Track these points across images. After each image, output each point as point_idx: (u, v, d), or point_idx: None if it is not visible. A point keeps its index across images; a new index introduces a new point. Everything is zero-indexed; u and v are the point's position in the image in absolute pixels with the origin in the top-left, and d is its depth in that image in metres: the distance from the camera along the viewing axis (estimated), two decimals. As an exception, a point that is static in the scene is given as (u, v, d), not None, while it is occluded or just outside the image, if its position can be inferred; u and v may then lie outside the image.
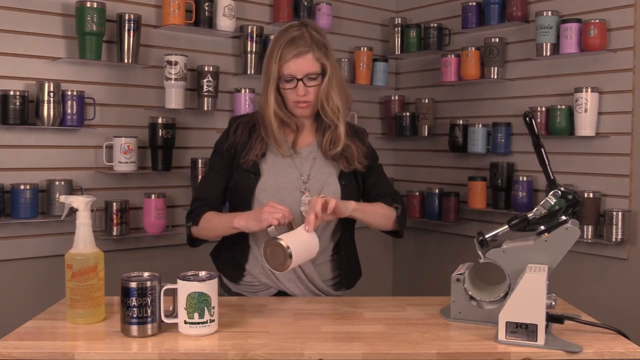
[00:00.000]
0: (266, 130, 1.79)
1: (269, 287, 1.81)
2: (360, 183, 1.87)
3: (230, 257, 1.85)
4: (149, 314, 1.36)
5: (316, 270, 1.79)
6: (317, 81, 1.74)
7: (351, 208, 1.70)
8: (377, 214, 1.80)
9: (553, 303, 1.37)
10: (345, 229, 1.84)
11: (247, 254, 1.81)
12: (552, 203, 1.48)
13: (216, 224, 1.76)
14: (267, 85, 1.76)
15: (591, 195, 2.64)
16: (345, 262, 1.85)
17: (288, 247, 1.51)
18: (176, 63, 2.69)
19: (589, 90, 2.65)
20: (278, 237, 1.54)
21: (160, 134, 2.67)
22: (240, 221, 1.67)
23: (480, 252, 1.51)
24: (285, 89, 1.75)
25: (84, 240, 1.44)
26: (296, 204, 1.75)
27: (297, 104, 1.76)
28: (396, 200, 1.85)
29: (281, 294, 1.80)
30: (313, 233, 1.59)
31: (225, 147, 1.82)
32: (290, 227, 1.61)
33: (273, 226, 1.57)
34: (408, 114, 3.37)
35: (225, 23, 2.85)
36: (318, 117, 1.83)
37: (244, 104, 2.91)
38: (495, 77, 3.02)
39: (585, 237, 2.64)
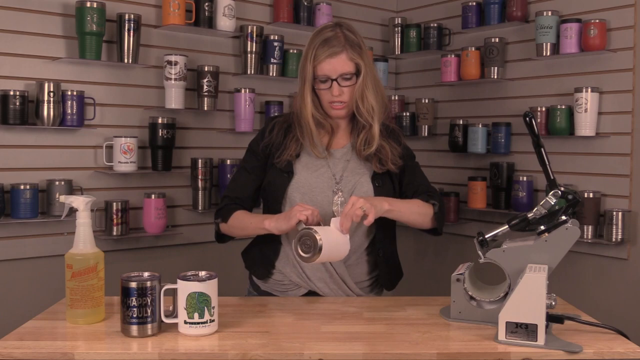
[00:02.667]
0: (302, 130, 1.79)
1: (299, 286, 1.79)
2: (397, 184, 1.84)
3: (260, 254, 1.84)
4: (149, 314, 1.36)
5: (348, 270, 1.77)
6: (352, 81, 1.74)
7: (384, 209, 1.66)
8: (412, 212, 1.74)
9: (553, 303, 1.37)
10: (381, 227, 1.80)
11: (277, 251, 1.81)
12: (552, 203, 1.48)
13: (247, 224, 1.76)
14: (302, 86, 1.76)
15: (591, 195, 2.64)
16: (383, 262, 1.82)
17: (320, 239, 1.50)
18: (176, 63, 2.69)
19: (589, 90, 2.65)
20: (312, 227, 1.54)
21: (160, 134, 2.67)
22: (270, 222, 1.67)
23: (480, 252, 1.51)
24: (320, 89, 1.75)
25: (84, 240, 1.44)
26: (328, 203, 1.75)
27: (332, 105, 1.76)
28: (433, 197, 1.80)
29: (311, 294, 1.79)
30: (346, 235, 1.59)
31: (261, 146, 1.83)
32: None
33: (302, 223, 1.58)
34: (408, 114, 3.37)
35: (225, 23, 2.85)
36: (353, 118, 1.83)
37: (244, 104, 2.91)
38: (495, 77, 3.02)
39: (585, 237, 2.64)
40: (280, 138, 1.81)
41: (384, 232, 1.82)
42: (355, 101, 1.75)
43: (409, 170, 1.87)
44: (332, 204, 1.76)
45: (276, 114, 2.82)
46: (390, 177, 1.83)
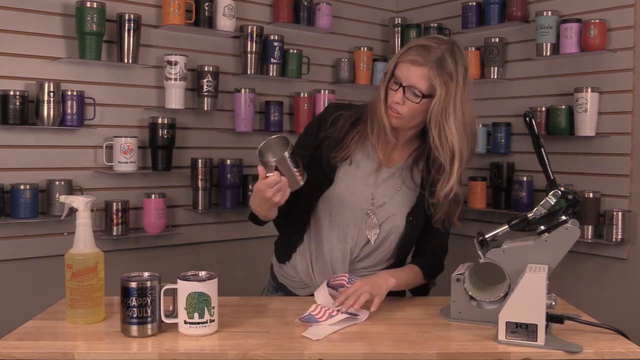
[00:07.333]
0: (373, 126, 1.68)
1: (307, 285, 1.78)
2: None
3: (287, 238, 1.80)
4: (149, 314, 1.36)
5: None
6: (418, 99, 1.58)
7: (389, 288, 1.60)
8: (409, 285, 1.72)
9: (553, 303, 1.37)
10: (399, 259, 1.76)
11: (299, 243, 1.76)
12: (552, 203, 1.48)
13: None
14: (383, 78, 1.66)
15: (591, 195, 2.64)
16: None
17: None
18: (176, 63, 2.69)
19: (589, 90, 2.65)
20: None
21: (160, 134, 2.67)
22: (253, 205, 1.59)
23: (480, 252, 1.51)
24: (390, 88, 1.63)
25: (84, 240, 1.44)
26: (354, 224, 1.70)
27: (390, 107, 1.62)
28: (437, 268, 1.76)
29: None
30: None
31: (320, 137, 1.72)
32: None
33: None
34: (408, 114, 3.37)
35: (225, 23, 2.85)
36: (421, 137, 1.72)
37: (244, 104, 2.91)
38: (495, 77, 3.02)
39: (585, 237, 2.64)
40: (341, 134, 1.70)
41: (400, 263, 1.78)
42: (430, 129, 1.61)
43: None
44: (366, 226, 1.69)
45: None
46: (425, 212, 1.73)
